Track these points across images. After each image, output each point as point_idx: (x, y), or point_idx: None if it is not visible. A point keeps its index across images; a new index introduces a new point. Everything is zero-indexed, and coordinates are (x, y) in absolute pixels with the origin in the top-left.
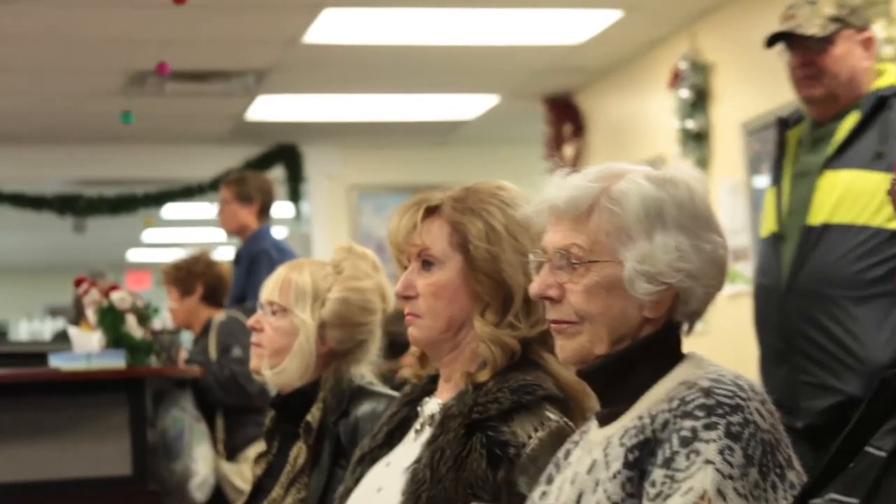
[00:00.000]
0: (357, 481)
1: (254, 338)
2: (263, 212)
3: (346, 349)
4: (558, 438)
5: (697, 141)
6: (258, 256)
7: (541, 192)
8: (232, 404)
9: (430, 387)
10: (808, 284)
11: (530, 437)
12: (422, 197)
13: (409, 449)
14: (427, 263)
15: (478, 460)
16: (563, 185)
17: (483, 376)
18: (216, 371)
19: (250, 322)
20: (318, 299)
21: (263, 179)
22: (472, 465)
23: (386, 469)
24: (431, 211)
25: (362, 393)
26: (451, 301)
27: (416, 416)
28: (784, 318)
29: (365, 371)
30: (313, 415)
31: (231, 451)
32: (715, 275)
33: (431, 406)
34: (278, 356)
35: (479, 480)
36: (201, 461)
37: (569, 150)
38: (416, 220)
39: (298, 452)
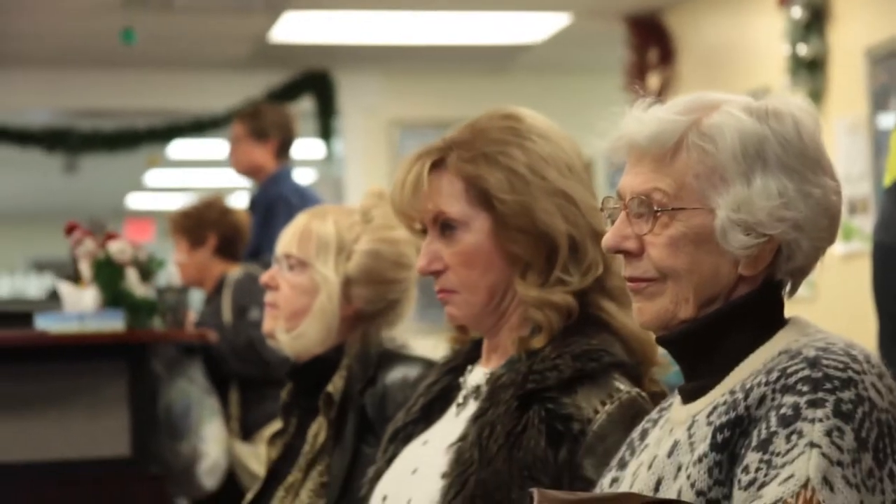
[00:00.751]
0: (389, 462)
1: (268, 297)
2: (282, 151)
3: (376, 310)
4: (630, 412)
5: (811, 70)
6: (275, 203)
7: (617, 126)
8: (249, 375)
9: (474, 353)
10: None
11: (597, 412)
12: (421, 151)
13: (451, 425)
14: (447, 227)
15: (535, 437)
16: (645, 119)
17: (538, 342)
18: (231, 336)
19: (264, 278)
20: (342, 252)
21: (283, 112)
22: (528, 443)
23: (423, 448)
24: (435, 165)
25: (392, 357)
26: (486, 268)
27: (457, 387)
28: None
29: (398, 336)
30: (335, 384)
31: (247, 430)
32: (826, 226)
33: (476, 376)
34: (296, 318)
35: (538, 461)
36: (212, 441)
37: (654, 81)
38: (421, 180)
39: (318, 429)
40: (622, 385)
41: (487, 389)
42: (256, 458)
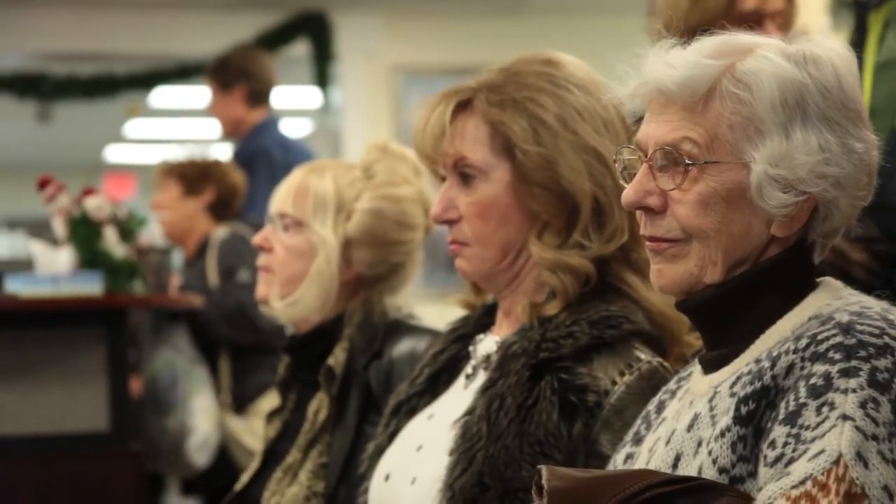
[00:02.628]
0: (392, 437)
1: (261, 259)
2: (254, 99)
3: (378, 274)
4: (650, 383)
5: (854, 11)
6: (255, 156)
7: (641, 68)
8: (239, 342)
9: (485, 320)
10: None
11: (615, 383)
12: (450, 89)
13: (459, 398)
14: (466, 176)
15: (548, 410)
16: (675, 62)
17: (552, 309)
18: (218, 300)
19: (257, 240)
20: (342, 211)
21: (247, 56)
22: (540, 417)
23: (428, 423)
24: (464, 105)
25: (399, 328)
26: (502, 222)
27: (466, 356)
28: None
29: (403, 303)
30: (336, 357)
31: (240, 403)
32: (865, 184)
33: (487, 345)
34: (292, 283)
35: (550, 436)
36: (201, 415)
37: None
38: (444, 121)
39: (319, 405)
40: (643, 354)
41: (498, 359)
42: (251, 432)
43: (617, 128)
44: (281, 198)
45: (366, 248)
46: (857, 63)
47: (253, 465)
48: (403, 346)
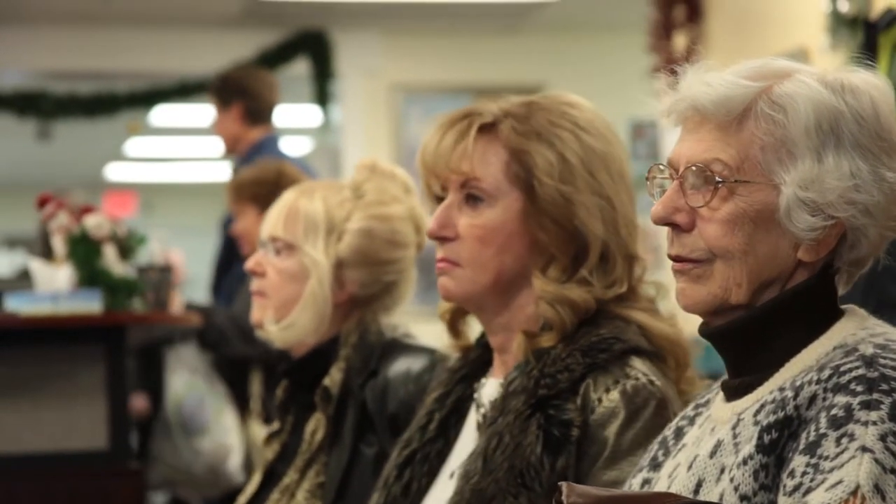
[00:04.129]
0: (406, 488)
1: (254, 284)
2: (253, 117)
3: (371, 294)
4: (635, 401)
5: (853, 29)
6: None
7: (677, 86)
8: (256, 358)
9: (485, 356)
10: None
11: (600, 401)
12: (472, 109)
13: (471, 449)
14: (473, 198)
15: (532, 444)
16: (712, 81)
17: (548, 341)
18: (239, 315)
19: (249, 265)
20: (333, 232)
21: (246, 73)
22: (525, 451)
23: (449, 482)
24: (484, 129)
25: (395, 348)
26: (502, 249)
27: (471, 397)
28: (874, 265)
29: (399, 321)
30: (332, 377)
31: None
32: None
33: (489, 390)
34: (286, 307)
35: (531, 468)
36: (233, 432)
37: (680, 40)
38: (466, 141)
39: (316, 426)
40: (632, 371)
41: (500, 397)
42: None
43: (627, 180)
44: (272, 221)
45: (358, 268)
46: None
47: (250, 488)
48: (399, 366)
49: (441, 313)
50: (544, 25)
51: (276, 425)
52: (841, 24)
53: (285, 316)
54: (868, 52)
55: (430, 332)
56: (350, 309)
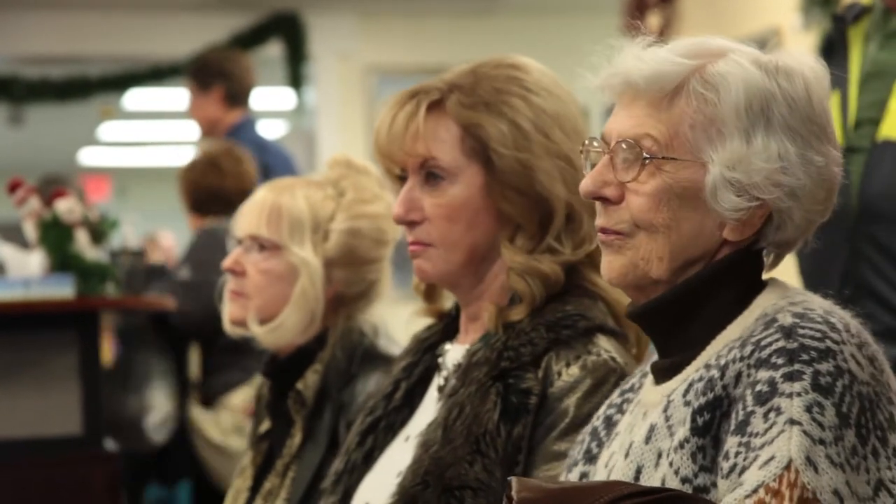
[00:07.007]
0: (368, 456)
1: (232, 284)
2: (232, 99)
3: (356, 292)
4: (595, 376)
5: (826, 7)
6: None
7: (612, 62)
8: (213, 339)
9: (453, 325)
10: (883, 209)
11: (559, 375)
12: (418, 88)
13: (431, 413)
14: (433, 177)
15: (490, 411)
16: (645, 57)
17: (517, 314)
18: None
19: (227, 263)
20: (318, 231)
21: (226, 57)
22: (483, 419)
23: (405, 445)
24: (433, 106)
25: (373, 358)
26: (470, 225)
27: (437, 367)
28: (853, 252)
29: (378, 319)
30: (306, 381)
31: (208, 397)
32: (822, 199)
33: (454, 354)
34: (271, 307)
35: (488, 434)
36: (161, 395)
37: (654, 20)
38: (416, 121)
39: (295, 430)
40: (594, 348)
41: (462, 367)
42: (217, 426)
43: (583, 133)
44: (251, 220)
45: (345, 267)
46: (845, 76)
47: (242, 497)
48: (373, 381)
49: (415, 285)
50: (518, 7)
51: (266, 425)
52: (814, 4)
53: (270, 317)
54: (841, 44)
55: (405, 316)
56: (336, 307)
